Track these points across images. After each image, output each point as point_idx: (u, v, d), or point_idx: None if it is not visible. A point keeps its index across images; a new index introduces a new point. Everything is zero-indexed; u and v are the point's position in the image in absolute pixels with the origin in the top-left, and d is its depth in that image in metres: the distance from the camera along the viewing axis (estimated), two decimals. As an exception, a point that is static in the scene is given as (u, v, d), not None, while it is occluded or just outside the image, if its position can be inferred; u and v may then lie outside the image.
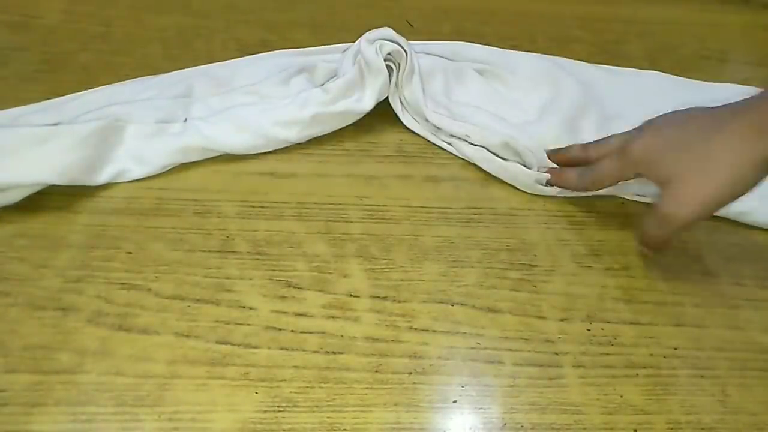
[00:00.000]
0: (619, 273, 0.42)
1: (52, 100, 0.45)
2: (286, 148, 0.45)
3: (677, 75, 0.57)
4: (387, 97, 0.48)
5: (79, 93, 0.46)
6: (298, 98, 0.46)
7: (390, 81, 0.47)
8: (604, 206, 0.45)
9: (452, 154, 0.47)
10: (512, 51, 0.53)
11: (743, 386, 0.37)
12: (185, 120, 0.44)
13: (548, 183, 0.45)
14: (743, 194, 0.36)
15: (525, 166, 0.45)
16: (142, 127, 0.43)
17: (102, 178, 0.41)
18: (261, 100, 0.46)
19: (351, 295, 0.38)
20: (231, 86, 0.48)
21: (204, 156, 0.44)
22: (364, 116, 0.46)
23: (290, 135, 0.45)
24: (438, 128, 0.47)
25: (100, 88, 0.46)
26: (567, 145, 0.45)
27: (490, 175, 0.46)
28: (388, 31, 0.46)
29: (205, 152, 0.44)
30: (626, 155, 0.39)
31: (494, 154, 0.46)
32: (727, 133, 0.36)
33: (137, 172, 0.42)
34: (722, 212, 0.43)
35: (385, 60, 0.45)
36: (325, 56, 0.50)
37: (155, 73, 0.49)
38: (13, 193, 0.39)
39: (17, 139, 0.39)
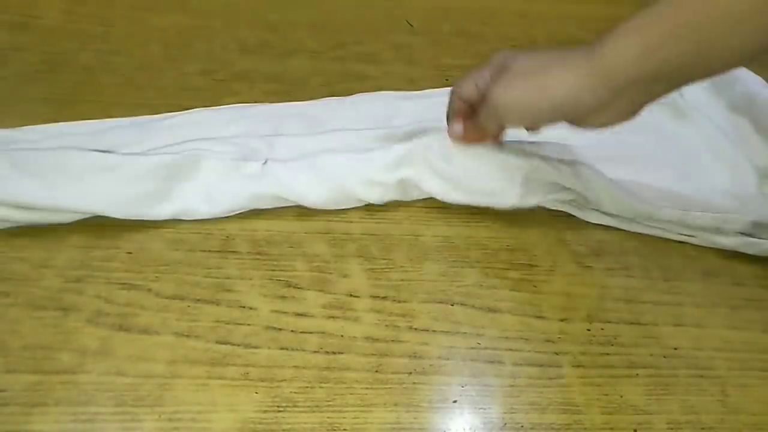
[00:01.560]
0: (619, 273, 0.42)
1: (139, 118, 0.45)
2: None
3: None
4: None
5: (167, 114, 0.45)
6: (390, 152, 0.42)
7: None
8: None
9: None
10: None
11: (743, 386, 0.37)
12: (265, 162, 0.42)
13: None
14: (569, 116, 0.36)
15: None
16: (217, 164, 0.41)
17: (164, 213, 0.39)
18: (349, 149, 0.43)
19: (351, 295, 0.38)
20: (324, 128, 0.45)
21: (275, 205, 0.41)
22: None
23: (371, 196, 0.42)
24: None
25: (188, 111, 0.46)
26: None
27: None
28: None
29: (278, 201, 0.41)
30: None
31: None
32: (568, 65, 0.35)
33: (203, 212, 0.40)
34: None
35: None
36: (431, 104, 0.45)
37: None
38: (67, 215, 0.38)
39: (84, 162, 0.38)
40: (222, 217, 0.41)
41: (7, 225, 0.38)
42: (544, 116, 0.36)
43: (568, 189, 0.43)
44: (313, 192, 0.41)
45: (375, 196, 0.42)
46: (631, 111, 0.35)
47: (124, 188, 0.39)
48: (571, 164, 0.42)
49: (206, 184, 0.40)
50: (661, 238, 0.44)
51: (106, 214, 0.38)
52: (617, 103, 0.34)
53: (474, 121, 0.40)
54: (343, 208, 0.42)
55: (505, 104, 0.36)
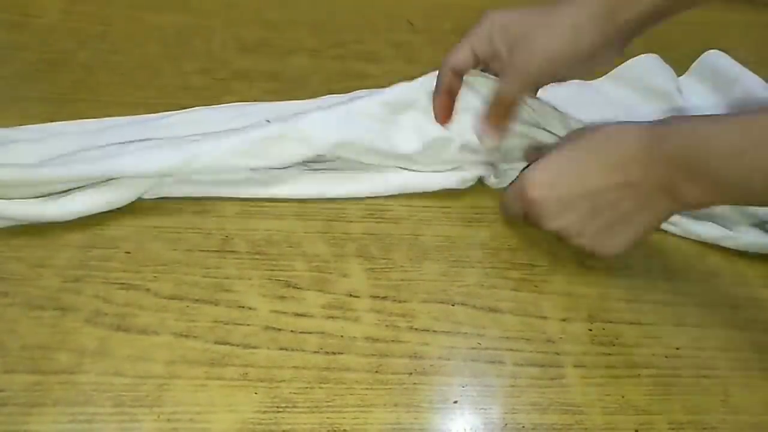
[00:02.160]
0: (620, 273, 0.42)
1: (138, 117, 0.45)
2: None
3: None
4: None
5: (166, 113, 0.45)
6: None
7: None
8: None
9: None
10: None
11: (745, 386, 0.37)
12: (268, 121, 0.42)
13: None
14: (582, 53, 0.38)
15: None
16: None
17: (175, 159, 0.39)
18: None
19: (351, 295, 0.38)
20: None
21: (281, 155, 0.41)
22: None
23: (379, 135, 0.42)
24: None
25: (188, 110, 0.45)
26: None
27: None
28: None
29: (283, 145, 0.41)
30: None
31: None
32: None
33: (210, 155, 0.39)
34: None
35: None
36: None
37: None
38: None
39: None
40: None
41: (8, 223, 0.38)
42: (571, 60, 0.38)
43: None
44: (319, 130, 0.41)
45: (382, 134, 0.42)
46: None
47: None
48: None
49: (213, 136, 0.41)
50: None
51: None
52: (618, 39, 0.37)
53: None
54: (349, 154, 0.42)
55: (539, 61, 0.38)
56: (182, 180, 0.41)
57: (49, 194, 0.38)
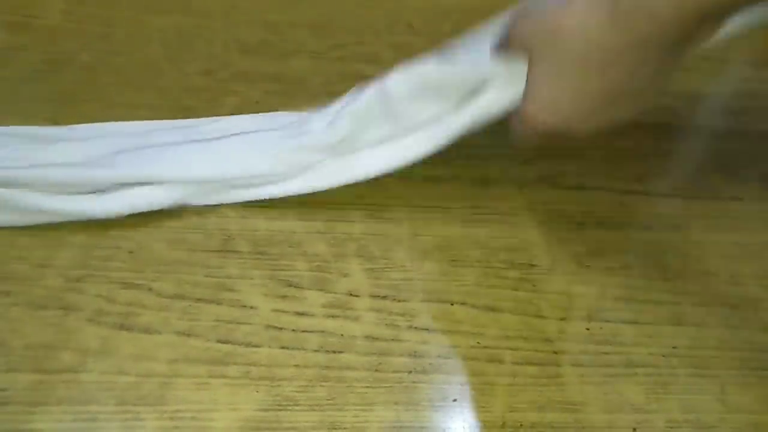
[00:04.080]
0: (618, 272, 0.42)
1: (180, 122, 0.46)
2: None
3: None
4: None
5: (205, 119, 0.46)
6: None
7: None
8: (605, 205, 0.46)
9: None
10: None
11: (743, 385, 0.37)
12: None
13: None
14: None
15: None
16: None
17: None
18: None
19: (351, 295, 0.38)
20: None
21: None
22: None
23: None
24: None
25: (229, 117, 0.47)
26: None
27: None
28: None
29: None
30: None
31: None
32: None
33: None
34: None
35: None
36: None
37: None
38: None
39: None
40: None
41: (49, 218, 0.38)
42: None
43: None
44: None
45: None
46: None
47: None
48: None
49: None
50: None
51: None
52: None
53: None
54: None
55: None
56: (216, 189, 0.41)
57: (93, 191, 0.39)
